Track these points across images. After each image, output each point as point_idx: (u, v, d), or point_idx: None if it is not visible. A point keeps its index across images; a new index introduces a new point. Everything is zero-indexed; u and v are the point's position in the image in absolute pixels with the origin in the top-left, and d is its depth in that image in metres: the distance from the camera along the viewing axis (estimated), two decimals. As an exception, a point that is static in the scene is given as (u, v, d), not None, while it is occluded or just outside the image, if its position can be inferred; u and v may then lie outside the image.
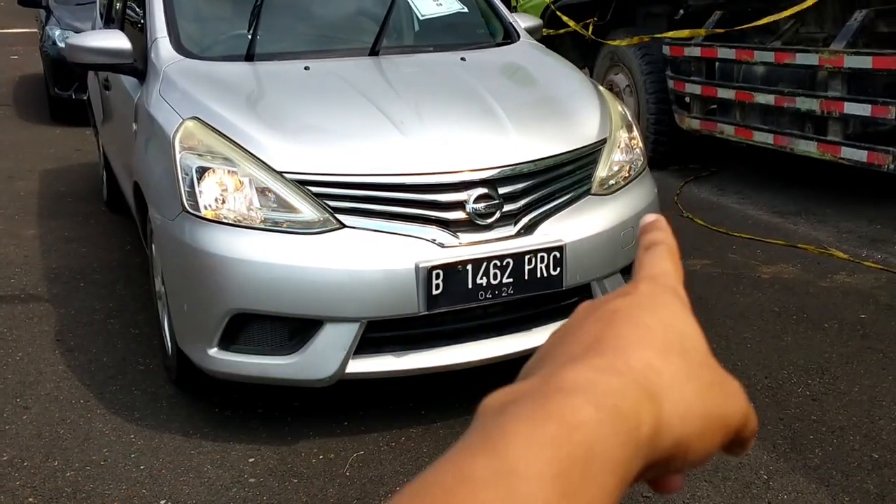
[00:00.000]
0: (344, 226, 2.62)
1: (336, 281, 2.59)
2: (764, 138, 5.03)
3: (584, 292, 2.93)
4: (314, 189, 2.63)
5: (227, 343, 2.69)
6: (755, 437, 0.45)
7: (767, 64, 4.96)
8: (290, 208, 2.63)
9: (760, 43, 5.46)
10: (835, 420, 2.87)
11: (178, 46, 3.30)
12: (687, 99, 5.73)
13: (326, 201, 2.63)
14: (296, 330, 2.66)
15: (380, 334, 2.69)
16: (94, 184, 5.97)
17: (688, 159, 6.38)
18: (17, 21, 16.21)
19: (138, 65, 3.39)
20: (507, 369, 3.05)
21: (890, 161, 4.20)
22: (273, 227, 2.62)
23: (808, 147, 4.71)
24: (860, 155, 4.37)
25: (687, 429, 0.39)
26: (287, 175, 2.64)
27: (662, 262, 0.46)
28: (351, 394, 3.03)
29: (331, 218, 2.62)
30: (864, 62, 4.26)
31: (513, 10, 8.14)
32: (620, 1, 6.51)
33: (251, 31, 3.22)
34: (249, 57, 3.25)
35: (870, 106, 4.25)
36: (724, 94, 5.19)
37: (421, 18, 3.73)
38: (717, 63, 5.43)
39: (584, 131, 3.03)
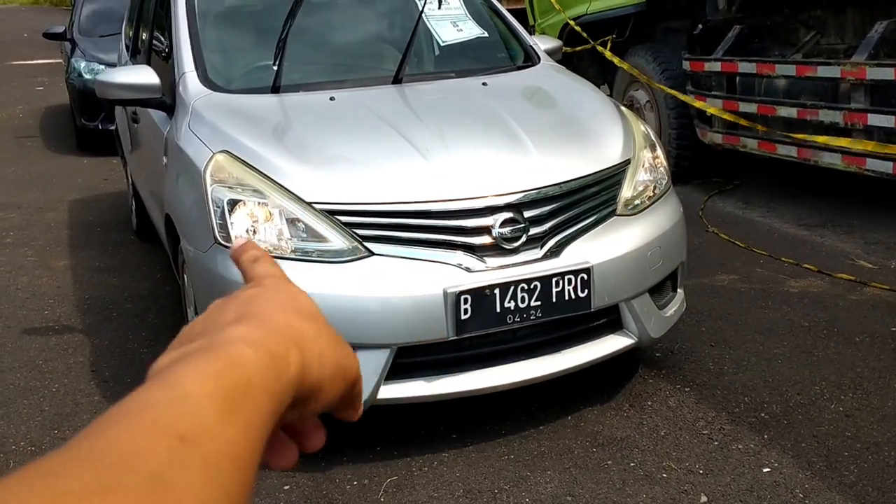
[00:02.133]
0: (372, 253, 2.65)
1: (366, 308, 2.62)
2: (787, 151, 5.02)
3: (612, 313, 2.95)
4: (343, 218, 2.67)
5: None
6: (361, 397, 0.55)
7: (789, 77, 4.96)
8: (319, 238, 2.66)
9: (781, 55, 5.46)
10: (869, 436, 2.85)
11: (206, 80, 3.37)
12: (708, 113, 5.72)
13: (355, 230, 2.66)
14: (327, 358, 2.67)
15: (410, 360, 2.72)
16: (122, 213, 6.07)
17: (711, 173, 6.37)
18: (40, 52, 16.52)
19: (167, 99, 3.46)
20: (537, 392, 3.06)
21: (916, 172, 4.18)
22: (303, 256, 2.66)
23: (832, 159, 4.69)
24: (885, 166, 4.35)
25: (323, 372, 0.48)
26: (316, 205, 2.68)
27: (272, 266, 0.56)
28: (384, 419, 3.06)
29: (359, 246, 2.65)
30: (887, 73, 4.25)
31: (531, 29, 8.21)
32: (639, 17, 6.53)
33: (276, 64, 3.28)
34: (275, 89, 3.31)
35: (893, 117, 4.23)
36: (746, 108, 5.18)
37: (442, 44, 3.77)
38: (738, 77, 5.43)
39: (607, 152, 3.05)
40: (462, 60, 3.78)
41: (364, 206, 2.67)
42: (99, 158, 8.24)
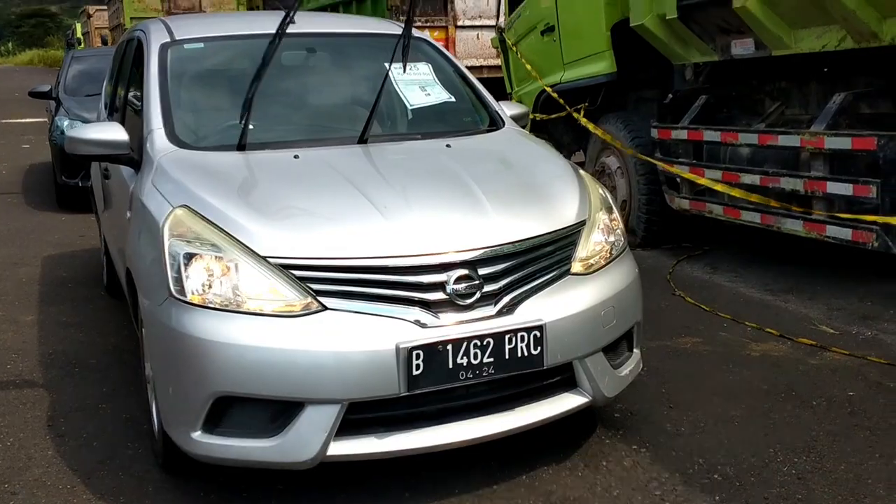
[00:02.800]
0: (326, 308, 2.67)
1: (317, 363, 2.63)
2: (751, 217, 5.12)
3: (566, 371, 2.97)
4: (297, 273, 2.70)
5: (210, 426, 2.72)
6: None
7: (752, 145, 5.08)
8: (274, 292, 2.69)
9: (748, 125, 5.60)
10: (820, 499, 2.86)
11: (173, 137, 3.43)
12: (678, 179, 5.84)
13: (310, 284, 2.69)
14: (278, 412, 2.68)
15: (362, 416, 2.71)
16: (95, 269, 6.08)
17: (681, 238, 6.46)
18: (31, 111, 16.69)
19: (135, 155, 3.51)
20: (495, 449, 3.06)
21: (874, 239, 4.26)
22: (257, 310, 2.67)
23: (794, 226, 4.78)
24: (845, 233, 4.44)
25: None
26: (271, 259, 2.71)
27: None
28: (336, 475, 3.04)
29: (314, 301, 2.68)
30: (844, 143, 4.37)
31: (509, 96, 8.39)
32: (610, 87, 6.71)
33: (242, 122, 3.34)
34: (241, 147, 3.37)
35: (851, 185, 4.34)
36: (712, 174, 5.30)
37: (410, 108, 3.86)
38: (703, 145, 5.55)
39: (563, 213, 3.10)
40: (428, 123, 3.86)
41: (319, 260, 2.70)
42: (78, 215, 8.29)
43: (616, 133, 6.41)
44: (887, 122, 4.64)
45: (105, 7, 29.40)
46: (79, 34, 36.58)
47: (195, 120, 3.65)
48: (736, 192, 4.93)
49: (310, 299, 2.68)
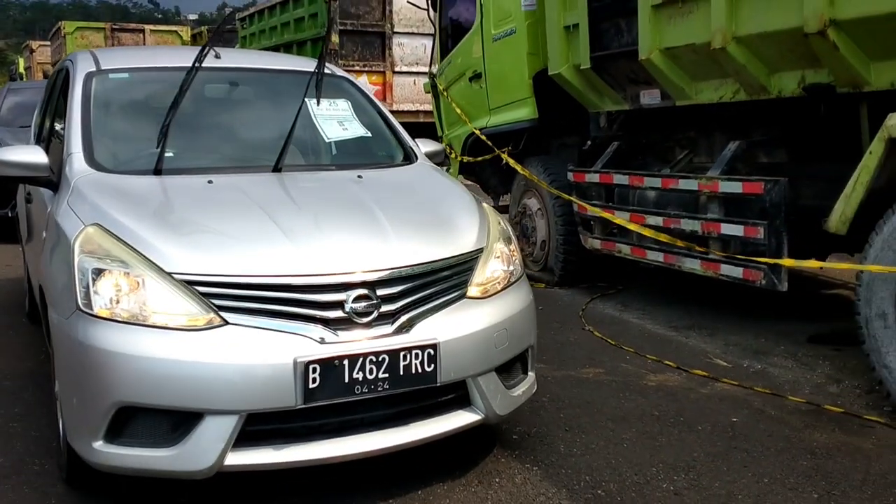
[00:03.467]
0: (228, 323, 2.81)
1: (216, 375, 2.75)
2: (655, 257, 5.40)
3: (460, 389, 3.14)
4: (201, 289, 2.83)
5: (112, 436, 2.81)
6: None
7: (656, 189, 5.39)
8: (178, 307, 2.81)
9: (658, 171, 5.92)
10: (692, 511, 3.06)
11: (91, 161, 3.55)
12: (590, 221, 6.12)
13: (213, 300, 2.82)
14: (178, 422, 2.79)
15: (260, 427, 2.83)
16: (19, 297, 6.08)
17: (597, 278, 6.74)
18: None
19: (53, 178, 3.62)
20: (394, 464, 3.19)
21: (762, 277, 4.56)
22: (162, 324, 2.79)
23: (693, 265, 5.08)
24: (737, 272, 4.73)
25: None
26: (176, 275, 2.84)
27: None
28: (238, 491, 3.14)
29: (216, 316, 2.81)
30: (736, 187, 4.69)
31: (440, 139, 8.66)
32: (532, 133, 7.01)
33: (158, 148, 3.49)
34: (157, 171, 3.51)
35: (742, 227, 4.64)
36: (621, 216, 5.59)
37: (327, 141, 4.05)
38: (615, 188, 5.86)
39: (461, 240, 3.30)
40: (343, 156, 4.06)
41: (222, 277, 2.84)
42: (6, 245, 8.23)
43: (537, 176, 6.69)
44: (784, 170, 4.98)
45: (48, 43, 29.19)
46: (21, 69, 36.16)
47: (115, 145, 3.78)
48: (647, 232, 5.20)
49: (212, 314, 2.81)
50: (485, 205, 3.75)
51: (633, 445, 3.64)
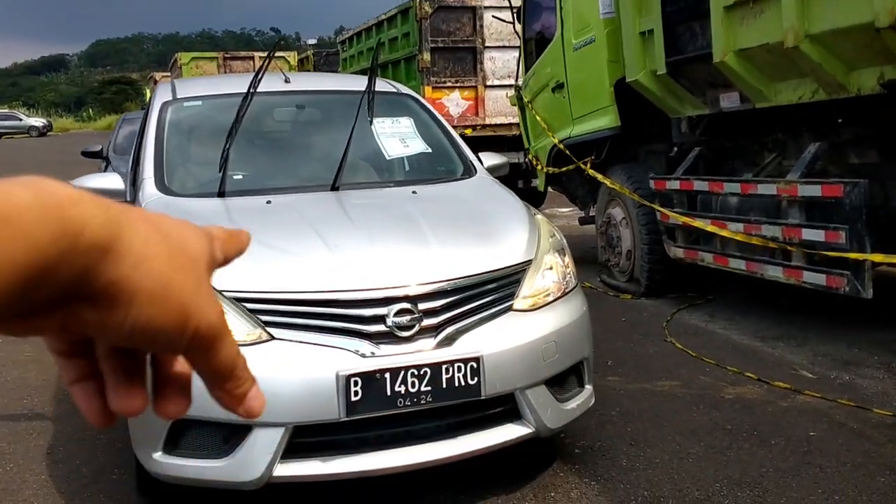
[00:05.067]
0: (273, 338, 2.90)
1: (265, 387, 2.83)
2: (738, 265, 5.21)
3: (509, 402, 3.12)
4: (249, 305, 2.94)
5: (170, 447, 2.95)
6: (228, 363, 0.52)
7: (737, 195, 5.21)
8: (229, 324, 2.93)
9: (746, 176, 5.72)
10: (750, 529, 2.93)
11: (161, 185, 3.75)
12: (674, 229, 5.97)
13: (260, 316, 2.93)
14: (229, 435, 2.90)
15: (307, 440, 2.91)
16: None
17: (686, 288, 6.55)
18: (83, 170, 17.50)
19: (130, 203, 3.84)
20: (449, 477, 3.21)
21: (845, 284, 4.33)
22: (211, 340, 2.91)
23: (775, 272, 4.87)
24: (819, 279, 4.51)
25: (138, 277, 0.44)
26: (227, 293, 2.96)
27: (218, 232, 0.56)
28: (283, 499, 3.23)
29: (263, 331, 2.91)
30: (815, 190, 4.48)
31: (527, 151, 8.65)
32: (615, 141, 6.90)
33: (221, 171, 3.65)
34: (221, 193, 3.67)
35: (823, 231, 4.42)
36: (700, 223, 5.42)
37: (388, 158, 4.13)
38: (697, 195, 5.69)
39: (508, 252, 3.30)
40: (403, 172, 4.12)
41: (268, 294, 2.94)
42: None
43: (620, 184, 6.58)
44: (875, 171, 4.72)
45: (168, 73, 30.93)
46: (147, 98, 38.29)
47: (184, 170, 3.98)
48: (726, 233, 5.02)
49: (260, 330, 2.91)
50: (539, 216, 3.72)
51: (698, 460, 3.52)
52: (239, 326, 2.92)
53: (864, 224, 4.19)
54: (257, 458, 2.87)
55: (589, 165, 6.93)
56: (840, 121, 4.94)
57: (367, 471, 2.94)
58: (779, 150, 5.76)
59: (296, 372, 2.86)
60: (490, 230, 3.45)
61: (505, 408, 3.14)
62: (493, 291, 3.17)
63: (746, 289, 6.33)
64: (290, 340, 2.91)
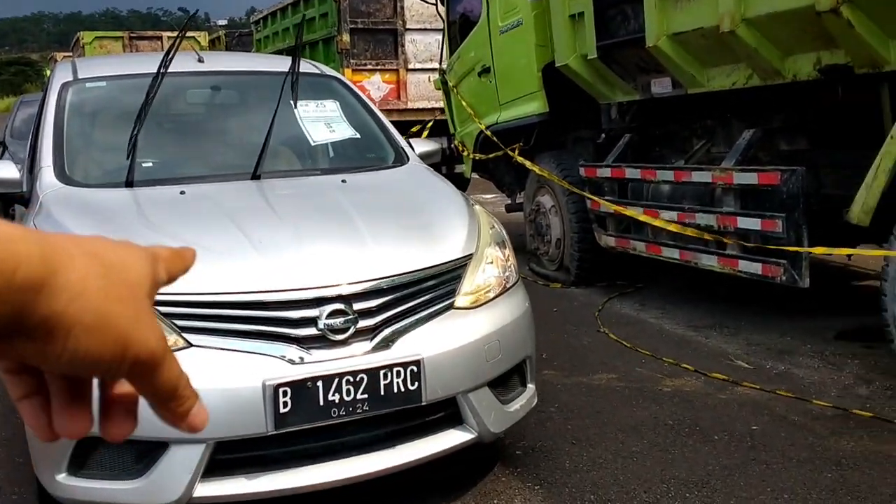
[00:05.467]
0: (191, 345, 2.62)
1: (181, 401, 2.56)
2: (671, 254, 5.14)
3: (450, 407, 2.92)
4: (162, 309, 2.64)
5: (75, 468, 2.64)
6: (171, 384, 0.53)
7: (670, 182, 5.12)
8: (138, 328, 2.63)
9: (674, 163, 5.65)
10: (703, 534, 2.81)
11: (62, 175, 3.39)
12: (604, 218, 5.86)
13: (174, 321, 2.64)
14: (142, 453, 2.61)
15: (231, 456, 2.65)
16: None
17: (615, 276, 6.47)
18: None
19: (27, 194, 3.47)
20: (385, 488, 2.99)
21: (782, 273, 4.28)
22: (121, 347, 2.62)
23: (709, 261, 4.80)
24: (755, 268, 4.45)
25: (74, 311, 0.46)
26: (137, 296, 2.66)
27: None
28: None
29: (178, 337, 2.62)
30: (751, 178, 4.41)
31: (452, 137, 8.44)
32: (544, 127, 6.76)
33: (129, 159, 3.32)
34: (129, 183, 3.34)
35: (759, 220, 4.36)
36: (632, 211, 5.32)
37: (313, 144, 3.85)
38: (628, 183, 5.59)
39: (448, 246, 3.08)
40: (330, 159, 3.86)
41: (182, 296, 2.65)
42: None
43: (549, 172, 6.44)
44: (806, 158, 4.69)
45: (70, 53, 29.54)
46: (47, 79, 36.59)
47: (88, 158, 3.63)
48: (659, 223, 4.93)
49: (175, 337, 2.62)
50: (477, 207, 3.52)
51: (643, 459, 3.39)
52: (152, 332, 2.62)
53: (801, 212, 4.14)
54: (175, 477, 2.59)
55: (517, 152, 6.77)
56: (773, 108, 4.90)
57: (299, 487, 2.70)
58: (708, 137, 5.71)
59: (217, 382, 2.58)
60: (427, 223, 3.23)
61: (446, 413, 2.94)
62: (432, 289, 2.95)
63: (677, 277, 6.29)
64: (210, 347, 2.63)
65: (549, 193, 6.65)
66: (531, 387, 3.29)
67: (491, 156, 7.29)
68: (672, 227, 4.75)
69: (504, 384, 3.12)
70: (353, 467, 2.76)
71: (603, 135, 6.53)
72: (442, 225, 3.23)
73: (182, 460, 2.58)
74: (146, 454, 2.61)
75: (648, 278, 6.45)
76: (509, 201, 8.10)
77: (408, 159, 3.98)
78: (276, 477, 2.68)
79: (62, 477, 2.64)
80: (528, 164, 6.57)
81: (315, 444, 2.74)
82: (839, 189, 4.42)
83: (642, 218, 5.02)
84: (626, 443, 3.56)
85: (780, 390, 4.03)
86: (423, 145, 4.26)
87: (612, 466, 3.34)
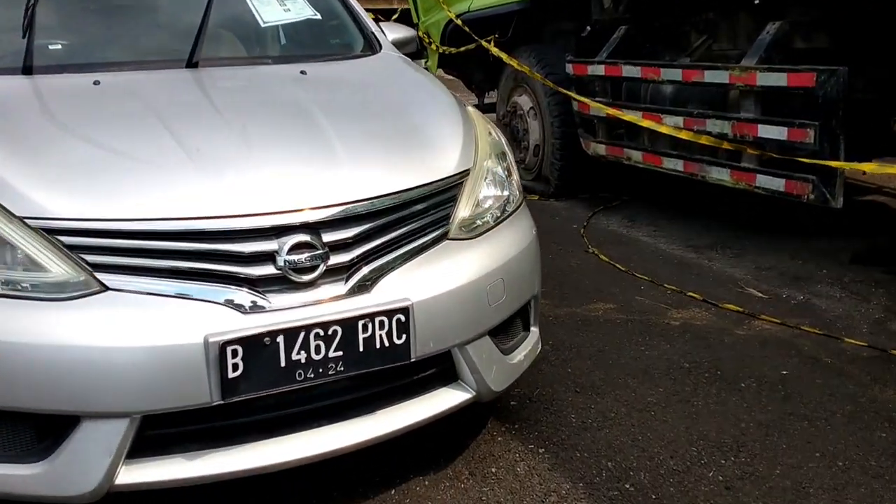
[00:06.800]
0: (107, 288, 1.96)
1: (94, 362, 1.92)
2: (673, 165, 4.55)
3: (444, 362, 2.33)
4: (67, 239, 1.97)
5: (-49, 448, 2.00)
6: None
7: (675, 82, 4.48)
8: (32, 265, 1.96)
9: (671, 61, 5.00)
10: (753, 517, 2.31)
11: (-65, 56, 2.62)
12: (592, 122, 5.22)
13: (84, 255, 1.97)
14: (44, 430, 1.98)
15: (163, 431, 2.03)
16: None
17: (598, 187, 5.89)
18: None
19: None
20: (359, 456, 2.41)
21: (810, 190, 3.73)
22: (10, 291, 1.94)
23: (720, 175, 4.23)
24: (777, 183, 3.89)
25: None
26: (29, 220, 1.97)
27: None
28: None
29: (90, 278, 1.96)
30: (779, 79, 3.79)
31: (416, 27, 7.61)
32: (522, 17, 6.01)
33: (25, 37, 2.55)
34: (27, 69, 2.58)
35: (786, 129, 3.77)
36: (631, 115, 4.68)
37: (262, 25, 3.10)
38: (623, 82, 4.93)
39: (439, 161, 2.43)
40: (284, 45, 3.13)
41: (97, 223, 1.98)
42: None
43: (529, 68, 5.73)
44: (821, 59, 4.08)
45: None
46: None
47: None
48: (665, 129, 4.30)
49: (84, 276, 1.96)
50: (470, 108, 2.85)
51: (662, 412, 2.87)
52: (50, 270, 1.96)
53: (839, 120, 3.55)
54: (90, 460, 1.97)
55: (493, 44, 6.03)
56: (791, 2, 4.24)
57: (255, 468, 2.10)
58: (709, 33, 5.06)
59: (143, 338, 1.94)
60: (412, 129, 2.56)
61: (437, 369, 2.35)
62: (420, 215, 2.31)
63: (665, 189, 5.73)
64: (133, 291, 1.97)
65: (527, 93, 5.96)
66: (535, 330, 2.72)
67: (462, 49, 6.53)
68: (684, 135, 4.13)
69: (505, 330, 2.53)
70: (323, 441, 2.17)
71: (588, 27, 5.80)
72: (430, 132, 2.56)
73: (98, 439, 1.96)
74: (50, 431, 1.98)
75: (634, 190, 5.88)
76: (477, 101, 7.38)
77: (380, 47, 3.26)
78: (221, 456, 2.08)
79: (-64, 458, 2.00)
80: (505, 57, 5.84)
81: (274, 413, 2.14)
82: (868, 94, 3.85)
83: (645, 123, 4.38)
84: (638, 391, 3.03)
85: (804, 326, 3.54)
86: (395, 31, 3.53)
87: (627, 422, 2.81)
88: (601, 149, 5.16)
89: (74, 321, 1.93)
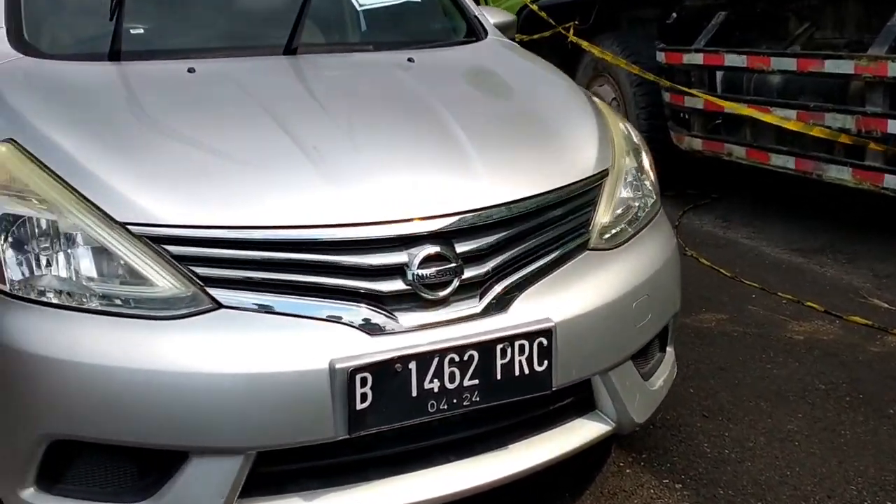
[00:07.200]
0: (220, 305, 1.71)
1: (206, 391, 1.68)
2: (783, 162, 4.21)
3: (582, 390, 2.05)
4: (175, 249, 1.73)
5: (47, 482, 1.78)
6: None
7: (787, 72, 4.13)
8: (136, 278, 1.72)
9: (767, 49, 4.64)
10: (942, 576, 2.01)
11: (18, 41, 2.40)
12: (685, 115, 4.89)
13: (193, 267, 1.72)
14: (149, 466, 1.75)
15: (279, 468, 1.79)
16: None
17: (685, 184, 5.55)
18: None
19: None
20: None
21: (951, 193, 3.38)
22: (110, 307, 1.71)
23: (840, 174, 3.89)
24: (910, 184, 3.55)
25: None
26: (133, 227, 1.73)
27: None
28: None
29: (200, 293, 1.71)
30: (916, 70, 3.44)
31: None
32: (604, 3, 5.68)
33: (114, 19, 2.31)
34: (114, 55, 2.35)
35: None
36: (734, 108, 4.35)
37: (359, 8, 2.85)
38: (723, 72, 4.59)
39: (576, 160, 2.15)
40: (384, 30, 2.87)
41: (208, 230, 1.73)
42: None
43: (614, 56, 5.40)
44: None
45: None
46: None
47: (56, 18, 2.62)
48: (792, 126, 3.91)
49: (193, 290, 1.71)
50: (598, 100, 2.56)
51: (807, 443, 2.57)
52: (157, 284, 1.72)
53: None
54: (200, 500, 1.73)
55: (572, 31, 5.71)
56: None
57: (378, 509, 1.84)
58: (813, 20, 4.70)
59: (262, 363, 1.69)
60: (542, 124, 2.29)
61: (574, 398, 2.08)
62: (558, 221, 2.03)
63: (755, 186, 5.38)
64: (248, 309, 1.73)
65: (608, 83, 5.64)
66: (670, 350, 2.43)
67: (536, 36, 6.22)
68: (816, 132, 3.79)
69: (644, 352, 2.25)
70: (454, 479, 1.91)
71: (674, 14, 5.46)
72: (562, 128, 2.29)
73: (209, 477, 1.72)
74: (155, 468, 1.74)
75: (723, 187, 5.54)
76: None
77: (485, 33, 2.98)
78: (345, 494, 1.83)
79: (29, 494, 1.78)
80: (586, 45, 5.52)
81: (400, 448, 1.88)
82: None
83: (772, 119, 4.03)
84: (774, 417, 2.73)
85: (945, 342, 3.20)
86: (494, 15, 3.25)
87: (769, 454, 2.52)
88: (697, 143, 4.83)
89: (182, 343, 1.69)
